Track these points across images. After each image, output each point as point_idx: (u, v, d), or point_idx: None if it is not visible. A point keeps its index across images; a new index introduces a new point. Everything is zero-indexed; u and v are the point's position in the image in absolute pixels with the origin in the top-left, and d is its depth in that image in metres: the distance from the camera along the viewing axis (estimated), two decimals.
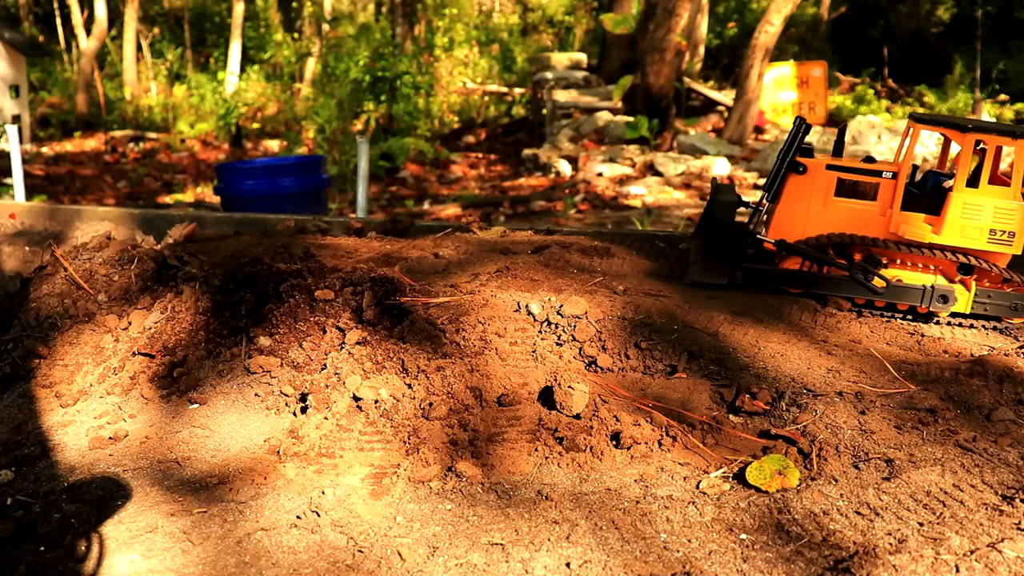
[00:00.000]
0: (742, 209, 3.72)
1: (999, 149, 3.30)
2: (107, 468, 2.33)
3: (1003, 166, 3.53)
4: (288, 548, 1.98)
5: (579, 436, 2.34)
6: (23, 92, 15.83)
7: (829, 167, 3.43)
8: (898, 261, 3.44)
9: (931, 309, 3.37)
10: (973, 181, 3.27)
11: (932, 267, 3.42)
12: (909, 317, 3.42)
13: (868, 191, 3.43)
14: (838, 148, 3.61)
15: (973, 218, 3.26)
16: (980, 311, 3.38)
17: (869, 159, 3.54)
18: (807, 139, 3.50)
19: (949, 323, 3.37)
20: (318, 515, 2.08)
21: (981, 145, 3.29)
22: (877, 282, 3.37)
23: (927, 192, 3.41)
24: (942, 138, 3.46)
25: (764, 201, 3.50)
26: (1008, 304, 3.37)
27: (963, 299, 3.36)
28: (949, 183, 3.33)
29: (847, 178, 3.43)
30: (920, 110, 15.22)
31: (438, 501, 2.15)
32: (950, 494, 2.03)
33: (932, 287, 3.35)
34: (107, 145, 15.85)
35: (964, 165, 3.25)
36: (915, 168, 3.55)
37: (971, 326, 3.34)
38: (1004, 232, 3.25)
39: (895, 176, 3.37)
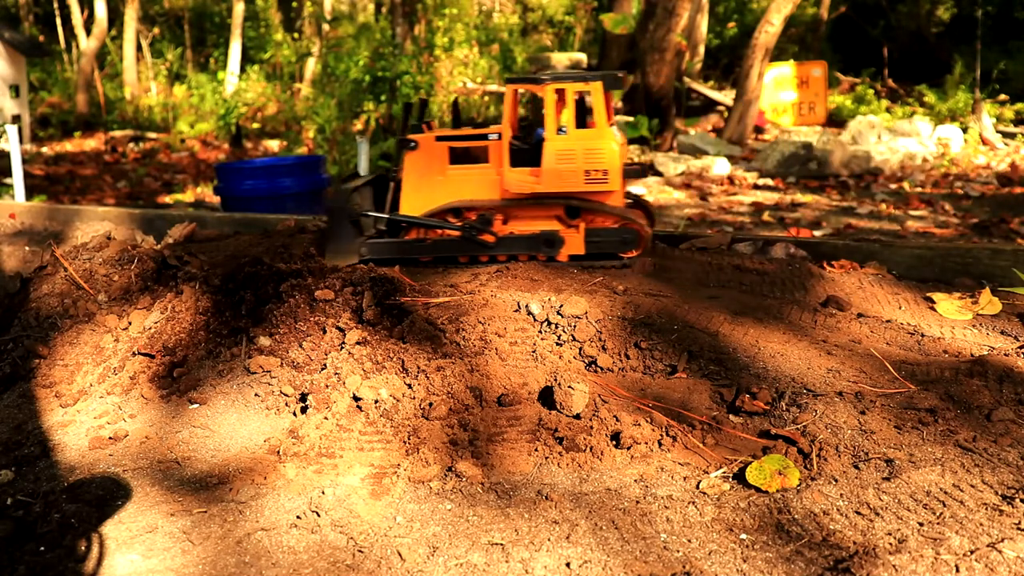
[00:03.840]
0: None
1: (581, 95, 3.53)
2: (107, 468, 2.34)
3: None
4: (288, 548, 1.98)
5: (579, 436, 2.34)
6: (23, 92, 15.82)
7: (439, 139, 3.63)
8: (516, 216, 3.66)
9: (544, 254, 3.59)
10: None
11: (546, 216, 3.63)
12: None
13: (480, 155, 3.63)
14: (456, 122, 3.91)
15: (567, 163, 3.46)
16: (595, 251, 3.59)
17: (477, 125, 3.79)
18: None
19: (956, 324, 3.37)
20: (318, 515, 2.08)
21: (574, 95, 3.52)
22: (487, 237, 3.58)
23: (532, 147, 3.61)
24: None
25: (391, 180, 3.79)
26: (617, 239, 3.58)
27: (574, 241, 3.57)
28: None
29: (457, 146, 3.63)
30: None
31: (438, 501, 2.15)
32: (950, 494, 2.03)
33: (539, 233, 3.57)
34: (107, 145, 15.84)
35: (549, 114, 3.47)
36: (529, 126, 3.79)
37: (972, 326, 3.34)
38: (598, 171, 3.46)
39: (501, 137, 3.56)
